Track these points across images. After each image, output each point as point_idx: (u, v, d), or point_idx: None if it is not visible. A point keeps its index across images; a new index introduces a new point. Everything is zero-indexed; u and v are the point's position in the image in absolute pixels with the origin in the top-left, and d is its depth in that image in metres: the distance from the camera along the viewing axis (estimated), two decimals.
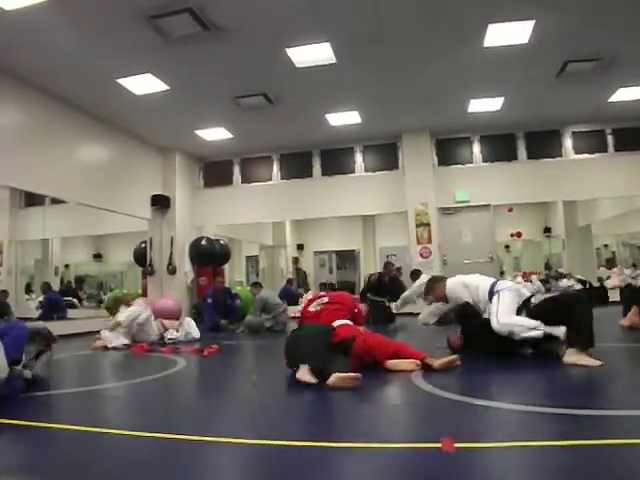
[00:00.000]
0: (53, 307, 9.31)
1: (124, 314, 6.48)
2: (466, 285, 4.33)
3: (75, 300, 11.83)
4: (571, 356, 3.59)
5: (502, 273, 12.68)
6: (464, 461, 1.90)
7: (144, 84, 7.68)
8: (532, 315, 3.86)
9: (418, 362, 3.70)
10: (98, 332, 6.63)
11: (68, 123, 8.39)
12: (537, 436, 2.17)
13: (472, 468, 1.85)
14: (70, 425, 2.58)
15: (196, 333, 6.92)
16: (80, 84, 7.67)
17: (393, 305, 8.78)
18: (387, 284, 8.89)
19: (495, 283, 4.22)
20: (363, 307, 5.18)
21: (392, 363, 3.78)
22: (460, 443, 2.02)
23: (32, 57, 6.78)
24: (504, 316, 3.91)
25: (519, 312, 3.98)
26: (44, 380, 3.42)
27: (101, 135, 9.26)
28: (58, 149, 8.18)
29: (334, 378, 3.22)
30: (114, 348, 6.13)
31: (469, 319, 4.27)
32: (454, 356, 3.72)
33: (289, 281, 13.29)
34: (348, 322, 4.10)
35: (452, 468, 1.84)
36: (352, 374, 3.23)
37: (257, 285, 8.73)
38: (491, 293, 4.13)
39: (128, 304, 6.74)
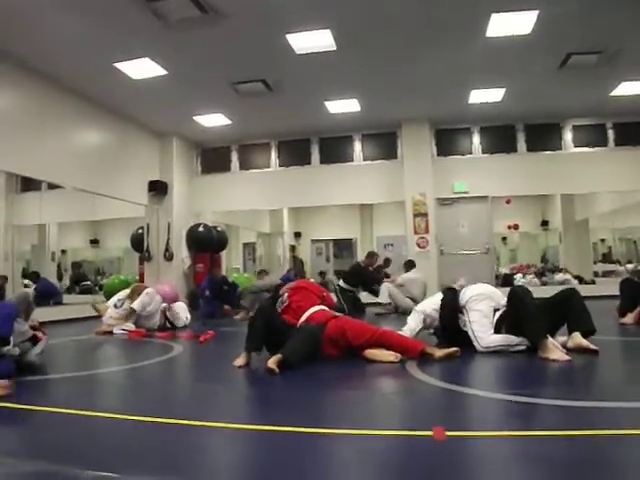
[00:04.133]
0: (45, 295, 9.25)
1: (137, 302, 6.42)
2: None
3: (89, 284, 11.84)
4: (574, 340, 3.70)
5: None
6: (455, 449, 1.90)
7: (142, 68, 7.61)
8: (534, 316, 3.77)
9: (397, 355, 3.66)
10: (99, 317, 6.60)
11: (65, 107, 8.32)
12: (528, 426, 2.19)
13: (462, 457, 1.86)
14: (63, 409, 2.58)
15: (180, 322, 6.82)
16: (77, 68, 7.59)
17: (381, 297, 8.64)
18: (368, 275, 8.75)
19: (458, 294, 4.21)
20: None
21: (370, 353, 3.74)
22: (451, 432, 2.02)
23: (29, 41, 6.70)
24: (484, 337, 3.90)
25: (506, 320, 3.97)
26: (38, 367, 3.40)
27: (98, 120, 9.19)
28: (55, 134, 8.11)
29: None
30: (113, 333, 6.11)
31: (449, 314, 4.24)
32: (455, 348, 3.71)
33: (289, 271, 13.29)
34: (323, 308, 4.09)
35: (442, 456, 1.84)
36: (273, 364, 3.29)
37: (263, 272, 9.00)
38: (456, 306, 4.13)
39: (139, 293, 6.69)
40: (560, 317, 3.83)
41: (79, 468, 1.75)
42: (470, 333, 3.98)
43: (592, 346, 3.63)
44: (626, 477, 1.67)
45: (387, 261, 10.62)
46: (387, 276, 9.26)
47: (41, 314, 6.80)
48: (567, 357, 3.43)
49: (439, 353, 3.64)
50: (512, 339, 3.83)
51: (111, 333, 6.12)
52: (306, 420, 2.35)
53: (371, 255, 9.05)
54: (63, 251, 12.76)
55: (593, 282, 11.31)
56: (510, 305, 3.91)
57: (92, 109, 8.94)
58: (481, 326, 3.96)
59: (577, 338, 3.72)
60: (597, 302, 6.18)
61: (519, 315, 3.74)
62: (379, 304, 8.37)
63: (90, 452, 1.98)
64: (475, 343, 3.94)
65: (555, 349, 3.52)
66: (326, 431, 2.14)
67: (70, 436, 2.21)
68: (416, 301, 6.78)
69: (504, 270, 12.61)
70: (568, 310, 3.83)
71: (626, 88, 8.96)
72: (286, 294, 4.29)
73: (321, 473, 1.74)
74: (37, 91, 7.74)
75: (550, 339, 3.61)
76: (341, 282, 8.68)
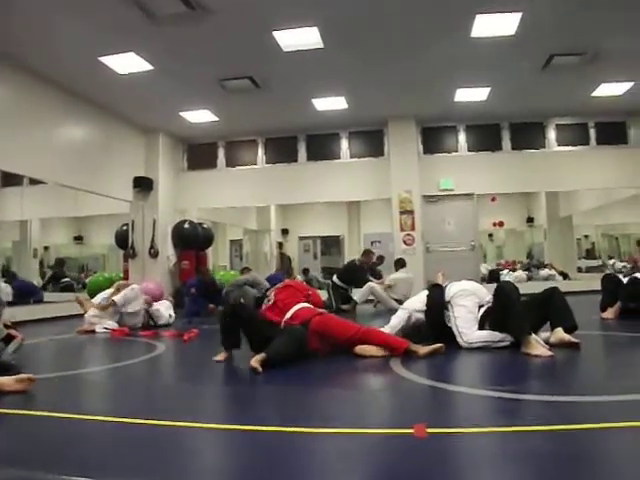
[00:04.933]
0: (24, 294, 9.18)
1: (120, 295, 6.37)
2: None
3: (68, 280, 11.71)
4: (557, 334, 3.77)
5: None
6: (435, 446, 1.92)
7: (128, 63, 7.53)
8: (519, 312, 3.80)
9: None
10: (82, 315, 6.54)
11: (48, 101, 8.20)
12: (510, 421, 2.21)
13: (443, 453, 1.88)
14: (44, 411, 2.54)
15: (163, 319, 6.78)
16: (61, 61, 7.48)
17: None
18: (361, 274, 8.72)
19: (444, 290, 4.25)
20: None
21: (360, 348, 3.79)
22: (433, 429, 2.05)
23: (11, 33, 6.60)
24: (468, 333, 3.95)
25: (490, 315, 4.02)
26: (14, 366, 3.29)
27: (82, 115, 9.09)
28: (37, 128, 7.99)
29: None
30: (96, 332, 6.06)
31: (436, 311, 4.27)
32: (439, 345, 3.74)
33: (278, 271, 13.27)
34: (309, 305, 4.11)
35: (422, 453, 1.86)
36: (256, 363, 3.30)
37: (247, 269, 8.95)
38: (442, 302, 4.18)
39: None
40: (542, 315, 3.91)
41: (55, 473, 1.74)
42: (454, 329, 4.02)
43: (574, 339, 3.71)
44: (609, 470, 1.70)
45: (381, 258, 10.67)
46: (379, 277, 9.26)
47: (21, 313, 6.83)
48: (549, 353, 3.49)
49: (423, 350, 3.67)
50: (495, 335, 3.87)
51: (93, 332, 6.07)
52: (289, 419, 2.36)
53: (367, 253, 9.05)
54: (46, 248, 12.65)
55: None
56: (496, 300, 3.95)
57: (76, 103, 8.82)
58: (465, 322, 4.00)
59: (559, 333, 3.79)
60: (581, 297, 6.30)
61: (504, 310, 3.79)
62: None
63: (69, 456, 1.97)
64: (459, 339, 3.98)
65: (537, 345, 3.57)
66: (309, 430, 2.15)
67: (47, 440, 2.18)
68: (401, 302, 6.81)
69: (487, 266, 12.69)
70: (550, 308, 3.91)
71: (605, 89, 9.11)
72: (272, 293, 4.31)
73: (304, 472, 1.75)
74: (19, 84, 7.61)
75: (533, 335, 3.66)
76: (335, 278, 8.69)
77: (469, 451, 1.93)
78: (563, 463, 1.72)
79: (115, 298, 6.29)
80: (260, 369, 3.28)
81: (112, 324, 6.16)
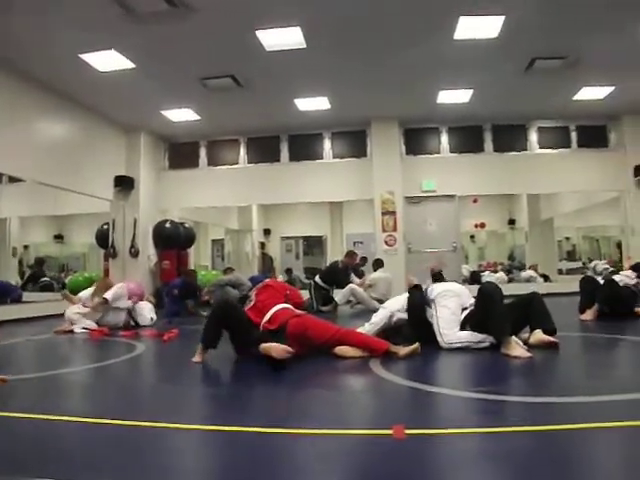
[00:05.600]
0: (0, 294, 9.02)
1: (111, 292, 6.29)
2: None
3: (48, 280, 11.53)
4: (536, 336, 3.83)
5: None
6: (413, 447, 1.92)
7: (108, 61, 7.44)
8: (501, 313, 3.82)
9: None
10: (62, 315, 6.43)
11: (27, 98, 8.06)
12: (489, 422, 2.21)
13: (420, 454, 1.88)
14: (20, 413, 2.48)
15: (145, 320, 6.68)
16: (41, 58, 7.37)
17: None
18: (342, 275, 8.70)
19: (426, 290, 4.27)
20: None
21: (340, 349, 3.78)
22: (411, 429, 2.04)
23: None
24: (449, 334, 3.96)
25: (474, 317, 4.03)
26: None
27: (63, 112, 8.97)
28: (16, 126, 7.85)
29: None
30: (74, 332, 5.95)
31: (417, 313, 4.28)
32: (416, 345, 3.74)
33: (264, 272, 13.23)
34: (287, 306, 4.08)
35: (400, 454, 1.85)
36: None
37: (229, 270, 8.98)
38: (423, 302, 4.20)
39: (106, 287, 6.54)
40: (522, 319, 3.96)
41: (31, 476, 1.70)
42: (435, 328, 4.03)
43: (553, 339, 3.77)
44: (587, 470, 1.71)
45: (364, 259, 10.68)
46: (362, 277, 9.25)
47: None
48: (528, 354, 3.51)
49: (403, 351, 3.67)
50: (476, 336, 3.89)
51: (72, 332, 5.98)
52: (268, 420, 2.34)
53: (350, 254, 9.05)
54: (26, 246, 12.47)
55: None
56: (479, 300, 3.96)
57: (56, 101, 8.70)
58: (447, 322, 4.01)
59: (539, 334, 3.84)
60: (562, 299, 6.36)
61: (486, 310, 3.81)
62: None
63: (45, 457, 1.93)
64: (439, 339, 3.99)
65: (517, 346, 3.60)
66: (287, 431, 2.13)
67: (23, 441, 2.14)
68: (381, 301, 6.82)
69: (469, 268, 12.75)
70: (530, 312, 3.98)
71: (587, 93, 9.24)
72: (253, 293, 4.28)
73: (282, 473, 1.74)
74: None
75: (513, 337, 3.68)
76: (317, 279, 8.69)
77: (447, 452, 1.93)
78: (542, 463, 1.72)
79: (106, 296, 6.22)
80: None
81: (91, 324, 6.08)
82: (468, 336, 3.92)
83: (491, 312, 3.76)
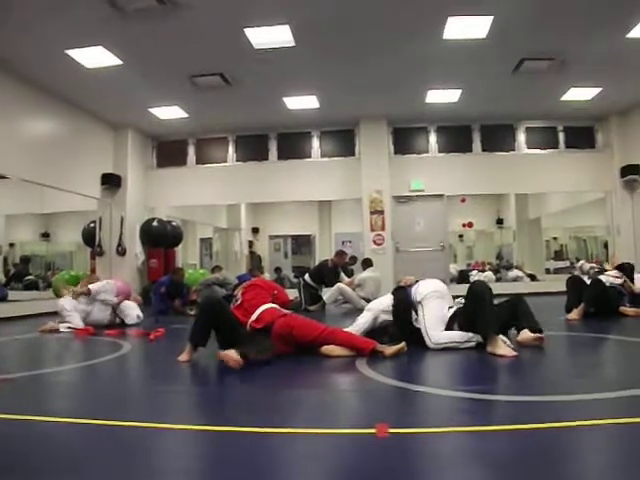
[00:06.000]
0: None
1: (96, 285, 6.24)
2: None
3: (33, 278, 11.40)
4: (523, 334, 3.89)
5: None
6: (396, 446, 1.92)
7: (96, 57, 7.38)
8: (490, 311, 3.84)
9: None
10: (48, 314, 6.37)
11: (12, 95, 7.97)
12: (473, 421, 2.22)
13: (403, 453, 1.87)
14: (3, 414, 2.44)
15: (131, 319, 6.61)
16: (26, 53, 7.27)
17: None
18: (330, 275, 8.70)
19: (411, 290, 4.25)
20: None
21: (326, 349, 3.78)
22: (395, 429, 2.04)
23: None
24: (435, 334, 3.96)
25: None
26: None
27: (49, 109, 8.89)
28: (1, 122, 7.77)
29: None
30: (60, 330, 5.89)
31: (403, 314, 4.28)
32: (402, 344, 3.74)
33: (250, 271, 13.18)
34: (274, 305, 4.07)
35: (383, 453, 1.85)
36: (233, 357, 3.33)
37: (217, 268, 9.10)
38: (409, 303, 4.19)
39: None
40: (508, 319, 3.98)
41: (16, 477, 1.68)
42: (422, 329, 4.03)
43: (539, 335, 3.82)
44: (573, 468, 1.70)
45: (354, 259, 10.68)
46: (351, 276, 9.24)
47: None
48: (514, 353, 3.52)
49: (389, 350, 3.67)
50: (463, 335, 3.89)
51: (57, 331, 5.92)
52: (253, 420, 2.33)
53: (340, 254, 9.04)
54: (11, 244, 12.33)
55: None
56: (468, 298, 3.98)
57: (43, 97, 8.62)
58: (434, 323, 4.01)
59: (525, 333, 3.89)
60: (548, 299, 6.40)
61: (475, 308, 3.82)
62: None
63: (29, 459, 1.91)
64: (426, 339, 3.98)
65: (503, 345, 3.61)
66: (271, 430, 2.12)
67: (7, 442, 2.11)
68: (369, 300, 6.82)
69: (456, 267, 12.78)
70: (517, 313, 4.02)
71: (574, 93, 9.31)
72: (240, 292, 4.26)
73: (265, 472, 1.73)
74: None
75: (499, 336, 3.69)
76: (307, 277, 8.69)
77: (430, 451, 1.93)
78: (526, 462, 1.72)
79: (91, 286, 6.18)
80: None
81: (78, 323, 6.01)
82: (455, 336, 3.93)
83: (480, 310, 3.78)
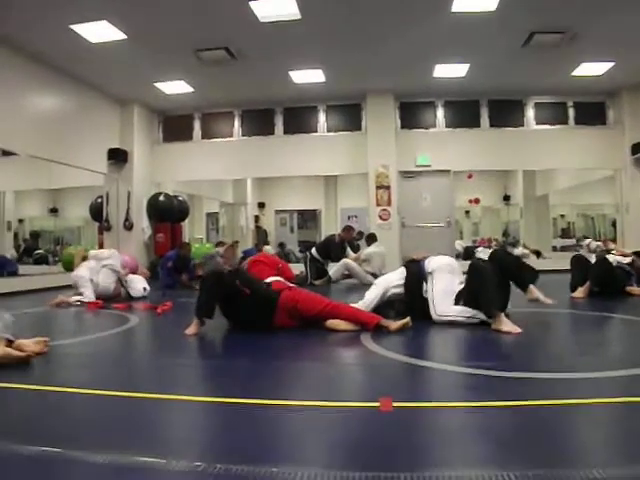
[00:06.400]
0: None
1: (96, 250, 6.38)
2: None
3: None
4: (532, 291, 3.99)
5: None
6: (400, 420, 1.95)
7: (100, 32, 7.32)
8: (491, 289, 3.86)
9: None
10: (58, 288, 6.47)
11: (18, 71, 7.94)
12: (477, 397, 2.24)
13: (407, 427, 1.90)
14: (17, 384, 2.51)
15: (137, 292, 6.67)
16: (31, 29, 7.21)
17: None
18: (337, 249, 8.74)
19: (424, 263, 4.28)
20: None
21: (331, 323, 3.83)
22: (399, 402, 2.07)
23: None
24: (441, 306, 4.00)
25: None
26: None
27: (55, 85, 8.85)
28: (8, 99, 7.75)
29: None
30: (71, 302, 5.96)
31: (415, 287, 4.30)
32: (407, 319, 3.77)
33: (256, 246, 13.23)
34: (278, 279, 4.11)
35: (387, 427, 1.89)
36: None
37: (220, 244, 9.18)
38: (421, 275, 4.21)
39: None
40: (506, 285, 4.02)
41: (29, 445, 1.72)
42: (429, 299, 4.07)
43: (548, 300, 3.93)
44: (574, 445, 1.72)
45: (361, 234, 10.70)
46: (357, 251, 9.27)
47: None
48: (518, 329, 3.54)
49: (394, 325, 3.70)
50: (467, 311, 3.91)
51: (68, 304, 5.95)
52: (259, 392, 2.36)
53: (348, 229, 9.07)
54: (20, 220, 12.42)
55: None
56: (469, 277, 3.98)
57: (49, 73, 8.58)
58: (442, 295, 4.04)
59: (533, 292, 4.02)
60: (554, 276, 6.39)
61: (476, 286, 3.84)
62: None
63: (42, 428, 1.95)
64: (432, 311, 4.02)
65: (507, 321, 3.63)
66: (276, 402, 2.16)
67: (21, 412, 2.17)
68: (376, 275, 6.84)
69: (462, 243, 12.78)
70: (508, 273, 4.04)
71: (586, 69, 9.14)
72: (245, 267, 4.30)
73: (270, 444, 1.76)
74: None
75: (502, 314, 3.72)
76: (313, 251, 8.73)
77: (434, 425, 1.95)
78: (529, 438, 1.75)
79: (90, 252, 6.34)
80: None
81: (90, 296, 6.07)
82: (460, 311, 3.95)
83: (481, 287, 3.79)
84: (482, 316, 3.84)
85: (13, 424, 2.00)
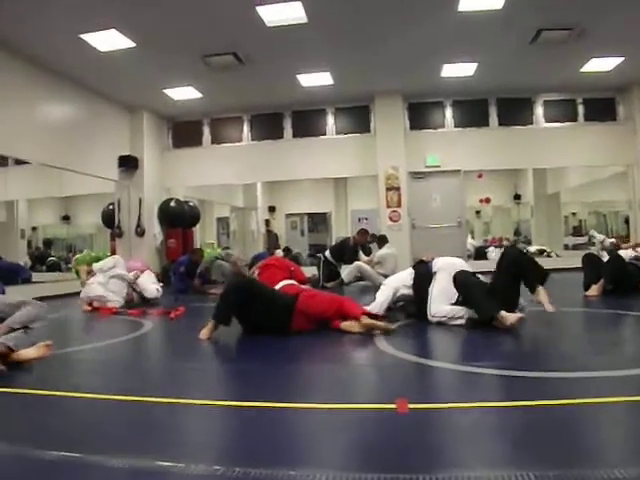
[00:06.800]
0: (9, 275, 9.04)
1: (99, 262, 6.37)
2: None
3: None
4: (540, 293, 3.79)
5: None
6: (417, 421, 1.95)
7: (109, 40, 7.37)
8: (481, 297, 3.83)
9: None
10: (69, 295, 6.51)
11: (30, 81, 8.02)
12: (490, 397, 2.24)
13: (424, 428, 1.91)
14: (32, 389, 2.54)
15: (151, 292, 6.65)
16: (42, 39, 7.29)
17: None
18: (350, 252, 8.74)
19: (432, 264, 4.28)
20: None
21: (346, 325, 3.84)
22: (415, 404, 2.07)
23: None
24: (436, 306, 4.00)
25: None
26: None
27: (66, 93, 8.92)
28: (20, 108, 7.83)
29: None
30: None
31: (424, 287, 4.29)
32: (383, 324, 3.79)
33: (268, 249, 13.23)
34: (292, 282, 4.12)
35: (404, 428, 1.89)
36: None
37: (226, 248, 8.95)
38: (429, 275, 4.21)
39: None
40: (516, 281, 3.92)
41: (44, 449, 1.74)
42: (428, 299, 4.07)
43: (550, 308, 3.71)
44: (588, 444, 1.72)
45: (373, 236, 10.69)
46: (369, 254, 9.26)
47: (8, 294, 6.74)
48: (519, 315, 3.56)
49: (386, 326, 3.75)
50: (457, 311, 3.92)
51: (98, 309, 5.93)
52: (274, 395, 2.37)
53: (363, 232, 9.05)
54: (34, 228, 12.55)
55: None
56: (456, 290, 3.97)
57: (59, 82, 8.66)
58: (438, 296, 4.05)
59: (541, 294, 3.79)
60: (566, 275, 6.35)
61: (466, 298, 3.87)
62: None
63: (57, 432, 1.98)
64: (427, 311, 4.03)
65: (507, 315, 3.59)
66: (291, 405, 2.17)
67: (37, 417, 2.19)
68: (388, 277, 6.83)
69: (473, 243, 12.72)
70: (520, 271, 3.90)
71: (595, 64, 9.05)
72: (257, 271, 4.32)
73: (286, 447, 1.77)
74: (0, 64, 7.43)
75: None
76: (327, 254, 8.75)
77: (450, 426, 1.95)
78: (544, 438, 1.74)
79: (94, 265, 6.35)
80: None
81: (119, 300, 6.09)
82: (448, 311, 3.96)
83: (470, 299, 3.81)
84: (470, 314, 3.84)
85: (34, 429, 2.02)
